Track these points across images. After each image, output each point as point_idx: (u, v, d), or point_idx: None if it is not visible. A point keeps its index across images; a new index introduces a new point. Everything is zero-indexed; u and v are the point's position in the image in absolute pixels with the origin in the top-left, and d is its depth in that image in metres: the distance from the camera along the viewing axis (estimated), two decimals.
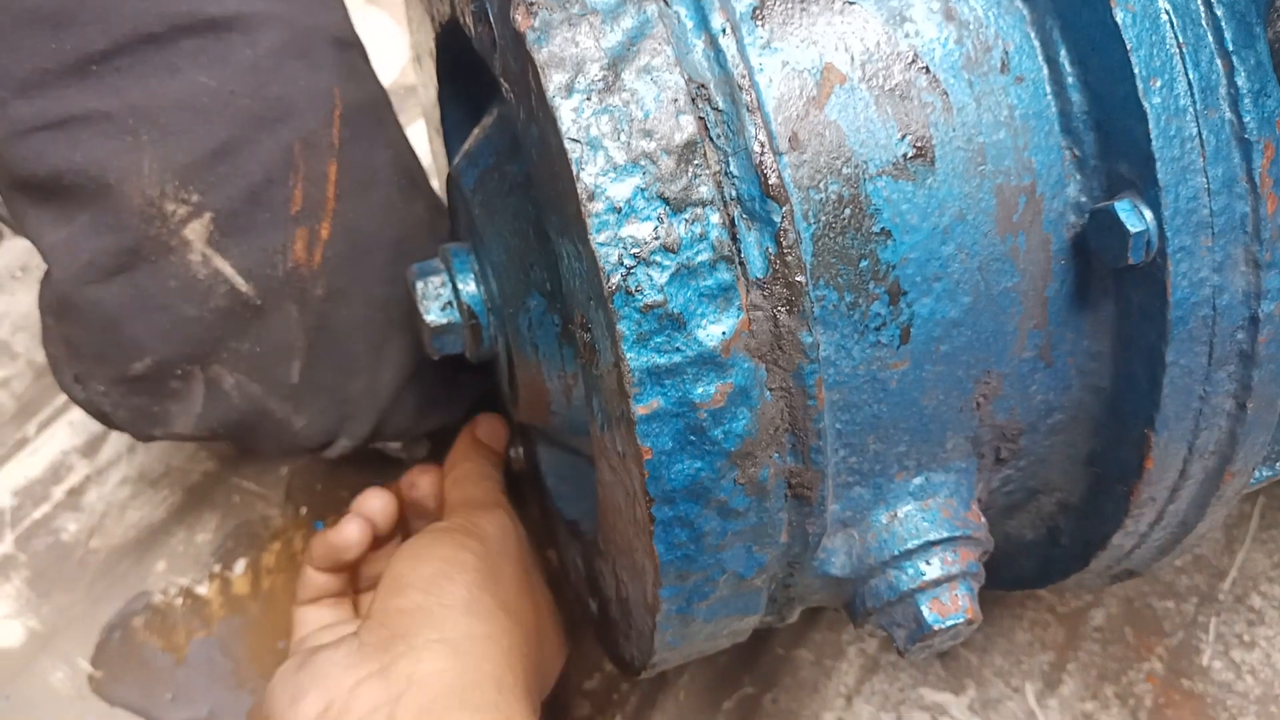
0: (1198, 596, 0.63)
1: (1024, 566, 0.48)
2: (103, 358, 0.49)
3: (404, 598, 0.46)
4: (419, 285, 0.47)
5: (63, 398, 0.66)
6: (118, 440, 0.65)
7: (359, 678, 0.44)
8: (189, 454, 0.65)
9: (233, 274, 0.48)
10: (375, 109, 0.52)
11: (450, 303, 0.47)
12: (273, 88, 0.47)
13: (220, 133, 0.47)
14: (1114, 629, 0.62)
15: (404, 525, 0.58)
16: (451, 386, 0.58)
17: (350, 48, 0.50)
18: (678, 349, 0.34)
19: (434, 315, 0.47)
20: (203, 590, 0.61)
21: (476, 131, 0.48)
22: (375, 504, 0.54)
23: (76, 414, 0.66)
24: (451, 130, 0.57)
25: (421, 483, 0.58)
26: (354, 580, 0.56)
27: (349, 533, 0.53)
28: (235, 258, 0.48)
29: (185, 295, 0.47)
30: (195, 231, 0.47)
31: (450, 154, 0.57)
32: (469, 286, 0.47)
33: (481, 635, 0.45)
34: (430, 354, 0.48)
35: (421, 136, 0.66)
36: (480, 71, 0.50)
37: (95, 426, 0.65)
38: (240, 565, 0.62)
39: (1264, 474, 0.45)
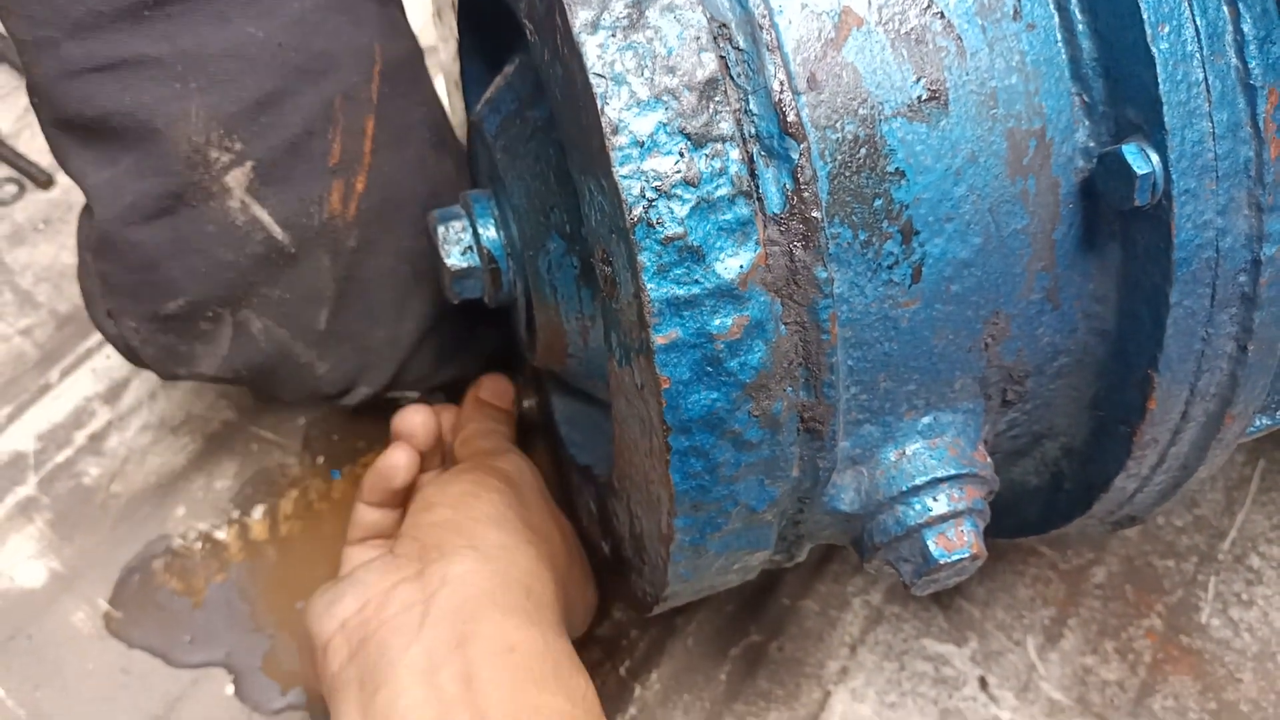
0: (1197, 556, 0.64)
1: (1028, 513, 0.49)
2: (137, 296, 0.50)
3: (433, 514, 0.48)
4: (440, 230, 0.48)
5: (85, 346, 0.67)
6: (139, 387, 0.66)
7: (395, 580, 0.45)
8: (209, 402, 0.66)
9: (270, 222, 0.49)
10: (412, 66, 0.53)
11: (470, 247, 0.48)
12: (317, 41, 0.49)
13: (265, 83, 0.48)
14: (1115, 586, 0.63)
15: (444, 456, 0.59)
16: (468, 340, 0.59)
17: (391, 3, 0.52)
18: (696, 281, 0.35)
19: (454, 259, 0.48)
20: (221, 535, 0.62)
21: (498, 80, 0.49)
22: (416, 419, 0.55)
23: (99, 362, 0.67)
24: (471, 83, 0.58)
25: (445, 419, 0.59)
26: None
27: (395, 457, 0.53)
28: (273, 206, 0.49)
29: (222, 240, 0.49)
30: (236, 179, 0.48)
31: (469, 107, 0.58)
32: (489, 231, 0.48)
33: (510, 545, 0.47)
34: (450, 298, 0.49)
35: (443, 94, 0.67)
36: (500, 23, 0.51)
37: (118, 374, 0.66)
38: (259, 511, 0.63)
39: (1264, 422, 0.46)
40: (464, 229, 0.48)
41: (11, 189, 0.75)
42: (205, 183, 0.48)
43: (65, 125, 0.48)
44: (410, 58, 0.53)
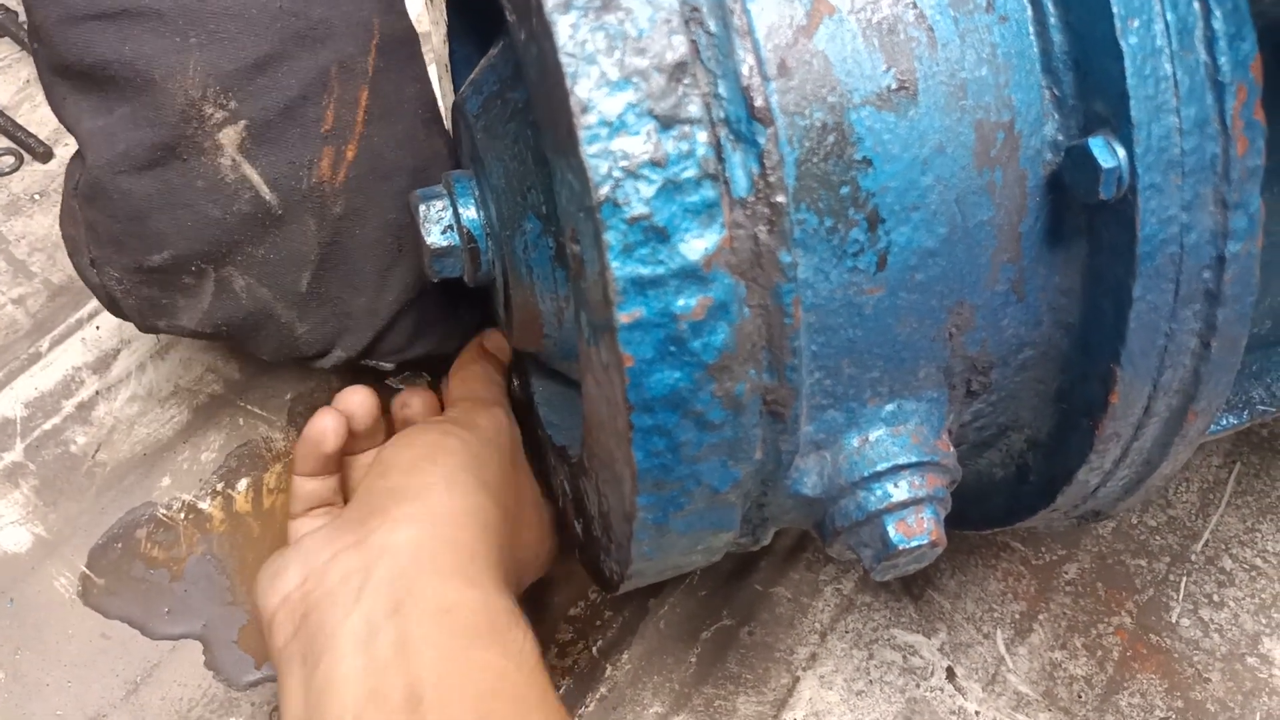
0: (1170, 556, 0.64)
1: (994, 505, 0.50)
2: (122, 246, 0.51)
3: (387, 479, 0.48)
4: (421, 208, 0.49)
5: (76, 317, 0.68)
6: (128, 359, 0.67)
7: (336, 550, 0.45)
8: (197, 375, 0.67)
9: (259, 182, 0.50)
10: (409, 44, 0.54)
11: (451, 226, 0.49)
12: (318, 9, 0.50)
13: (264, 45, 0.49)
14: (1086, 583, 0.63)
15: (389, 431, 0.59)
16: (448, 317, 0.60)
17: None
18: (661, 261, 0.35)
19: (434, 238, 0.49)
20: (205, 506, 0.63)
21: (482, 62, 0.50)
22: (354, 399, 0.55)
23: (89, 332, 0.68)
24: (459, 66, 0.58)
25: (414, 402, 0.59)
26: (344, 491, 0.57)
27: (322, 423, 0.53)
28: (263, 167, 0.50)
29: (211, 196, 0.50)
30: (229, 137, 0.49)
31: (457, 89, 0.59)
32: (469, 211, 0.49)
33: (458, 509, 0.47)
34: (429, 276, 0.50)
35: (433, 79, 0.67)
36: (487, 6, 0.51)
37: (107, 345, 0.67)
38: (243, 484, 0.64)
39: (1231, 421, 0.47)
40: (445, 208, 0.49)
41: (10, 160, 0.76)
42: (198, 138, 0.49)
43: (64, 71, 0.49)
44: (407, 36, 0.54)
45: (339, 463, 0.55)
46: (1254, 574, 0.64)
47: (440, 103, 0.62)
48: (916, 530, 0.41)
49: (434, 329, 0.59)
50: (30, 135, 0.77)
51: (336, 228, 0.52)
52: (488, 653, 0.42)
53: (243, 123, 0.49)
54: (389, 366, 0.60)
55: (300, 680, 0.43)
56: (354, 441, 0.56)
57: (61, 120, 0.50)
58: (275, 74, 0.49)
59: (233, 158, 0.49)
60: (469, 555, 0.45)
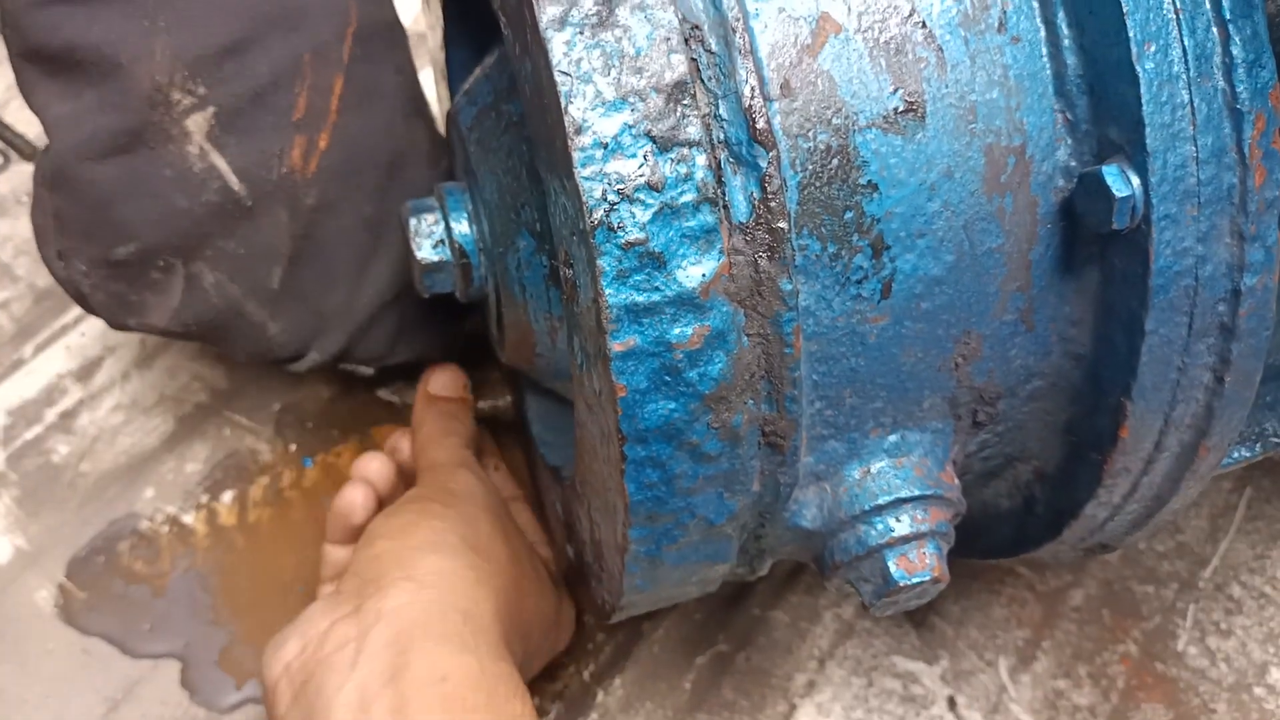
0: (1178, 583, 0.63)
1: (1000, 535, 0.48)
2: (89, 236, 0.50)
3: (374, 547, 0.48)
4: (412, 222, 0.47)
5: (60, 323, 0.67)
6: (112, 366, 0.65)
7: (333, 619, 0.45)
8: (182, 384, 0.65)
9: (227, 171, 0.48)
10: (389, 32, 0.53)
11: (442, 240, 0.47)
12: None
13: (235, 30, 0.48)
14: (1092, 610, 0.62)
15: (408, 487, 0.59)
16: (430, 320, 0.58)
17: None
18: (657, 288, 0.34)
19: (426, 253, 0.47)
20: (189, 520, 0.62)
21: (478, 71, 0.49)
22: (373, 466, 0.56)
23: (73, 339, 0.66)
24: (455, 72, 0.57)
25: (403, 446, 0.59)
26: None
27: (350, 496, 0.54)
28: (232, 155, 0.48)
29: (179, 185, 0.48)
30: (197, 124, 0.48)
31: (453, 95, 0.57)
32: (461, 225, 0.47)
33: (448, 570, 0.46)
34: (420, 292, 0.49)
35: (429, 84, 0.66)
36: (484, 12, 0.50)
37: (91, 352, 0.66)
38: (228, 496, 0.62)
39: (1243, 454, 0.45)
40: (436, 222, 0.47)
41: None
42: (165, 124, 0.47)
43: (32, 56, 0.48)
44: (387, 25, 0.53)
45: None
46: (1263, 602, 0.62)
47: (437, 107, 0.61)
48: (918, 566, 0.40)
49: (418, 333, 0.58)
50: (17, 135, 0.75)
51: (309, 220, 0.51)
52: None
53: (211, 109, 0.48)
54: (369, 371, 0.58)
55: None
56: (381, 506, 0.56)
57: (31, 106, 0.49)
58: (245, 59, 0.48)
59: (201, 145, 0.48)
60: (462, 618, 0.45)
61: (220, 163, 0.48)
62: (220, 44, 0.47)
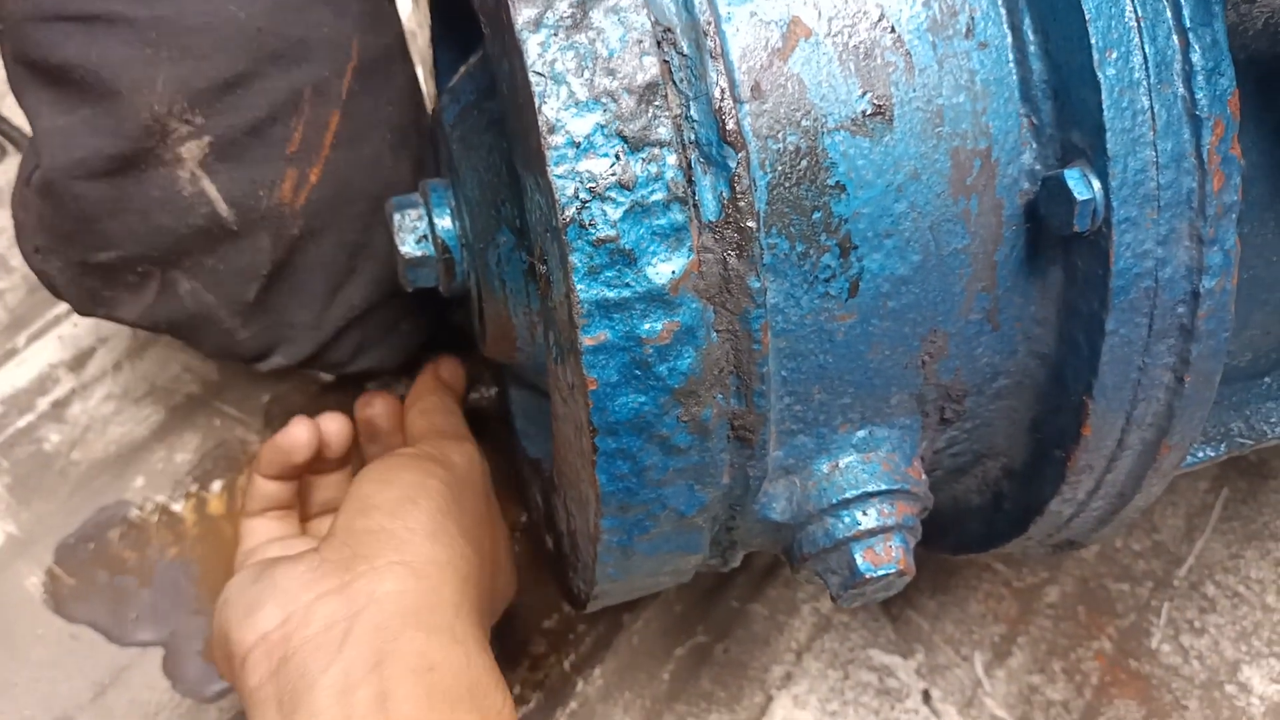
0: (1153, 581, 0.64)
1: (970, 531, 0.49)
2: (71, 241, 0.50)
3: (369, 519, 0.47)
4: (396, 217, 0.48)
5: (54, 313, 0.68)
6: (104, 357, 0.66)
7: (319, 593, 0.44)
8: (173, 375, 0.66)
9: (217, 197, 0.49)
10: (389, 61, 0.53)
11: (425, 236, 0.48)
12: (296, 29, 0.49)
13: (237, 64, 0.48)
14: (1067, 606, 0.63)
15: (357, 454, 0.59)
16: (393, 333, 0.59)
17: None
18: (627, 284, 0.35)
19: (409, 248, 0.48)
20: (178, 508, 0.63)
21: (462, 69, 0.49)
22: (333, 426, 0.55)
23: (66, 329, 0.67)
24: (443, 71, 0.58)
25: (376, 403, 0.59)
26: (303, 503, 0.57)
27: (296, 433, 0.53)
28: (223, 183, 0.49)
29: (166, 206, 0.49)
30: (190, 151, 0.48)
31: (440, 93, 0.58)
32: (444, 221, 0.48)
33: (443, 561, 0.46)
34: (404, 285, 0.49)
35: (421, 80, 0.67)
36: (469, 13, 0.51)
37: (84, 342, 0.67)
38: (216, 486, 0.63)
39: (1208, 453, 0.46)
40: (420, 217, 0.48)
41: None
42: (159, 150, 0.48)
43: (28, 65, 0.48)
44: (388, 53, 0.53)
45: (303, 470, 0.55)
46: (1236, 601, 0.63)
47: (428, 105, 0.62)
48: (884, 559, 0.40)
49: (378, 346, 0.59)
50: (14, 127, 0.76)
51: (292, 247, 0.52)
52: (467, 716, 0.41)
53: (207, 138, 0.48)
54: (328, 378, 0.59)
55: None
56: (320, 462, 0.56)
57: (20, 106, 0.49)
58: (245, 93, 0.48)
59: (193, 171, 0.48)
60: (453, 609, 0.45)
61: (210, 189, 0.49)
62: (222, 77, 0.48)
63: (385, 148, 0.53)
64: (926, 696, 0.59)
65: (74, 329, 0.67)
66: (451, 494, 0.50)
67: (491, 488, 0.54)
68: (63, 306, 0.68)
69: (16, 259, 0.70)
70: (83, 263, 0.51)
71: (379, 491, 0.49)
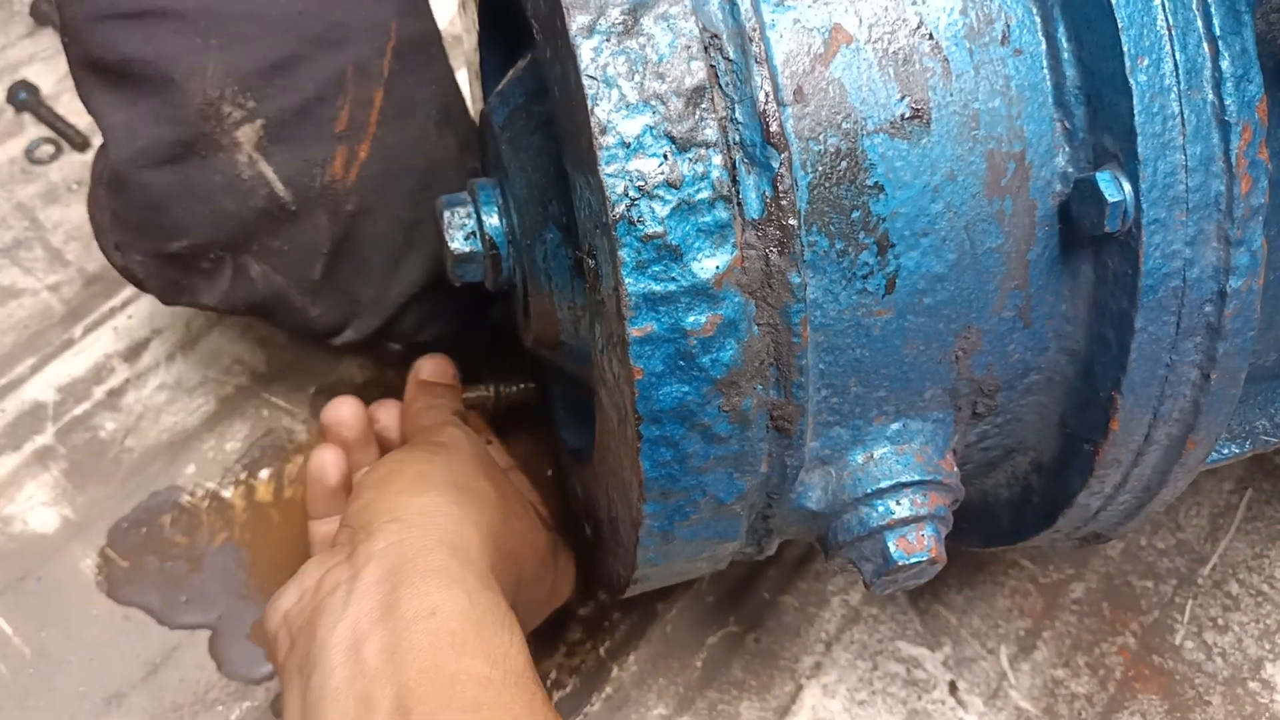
0: (1177, 579, 0.65)
1: (999, 524, 0.50)
2: (144, 232, 0.53)
3: (360, 498, 0.49)
4: (446, 215, 0.50)
5: (109, 305, 0.70)
6: (158, 348, 0.69)
7: (328, 567, 0.47)
8: (224, 366, 0.68)
9: (274, 179, 0.52)
10: (427, 45, 0.56)
11: (474, 233, 0.50)
12: (336, 13, 0.52)
13: (283, 48, 0.51)
14: (1092, 602, 0.64)
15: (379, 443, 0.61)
16: (456, 304, 0.61)
17: None
18: (673, 278, 0.36)
19: (458, 244, 0.50)
20: (228, 495, 0.65)
21: (510, 73, 0.51)
22: (343, 411, 0.58)
23: (121, 321, 0.69)
24: (489, 74, 0.60)
25: (381, 415, 0.61)
26: None
27: (322, 457, 0.56)
28: (279, 164, 0.52)
29: (228, 191, 0.52)
30: (246, 135, 0.51)
31: (486, 97, 0.60)
32: (492, 219, 0.50)
33: (431, 508, 0.47)
34: (452, 280, 0.51)
35: (463, 82, 0.69)
36: (517, 18, 0.53)
37: (138, 334, 0.69)
38: (265, 474, 0.65)
39: (1233, 450, 0.47)
40: (469, 215, 0.50)
41: (49, 149, 0.78)
42: (216, 135, 0.51)
43: (91, 66, 0.51)
44: (426, 38, 0.56)
45: (347, 483, 0.57)
46: (1260, 599, 0.64)
47: (471, 108, 0.64)
48: (917, 547, 0.42)
49: (442, 316, 0.61)
50: (69, 125, 0.79)
51: (349, 223, 0.54)
52: (474, 660, 0.42)
53: (260, 121, 0.51)
54: (397, 348, 0.61)
55: (298, 690, 0.43)
56: (353, 458, 0.58)
57: (88, 110, 0.53)
58: (293, 75, 0.51)
59: (250, 154, 0.51)
60: (449, 549, 0.45)
61: (268, 170, 0.52)
62: (269, 61, 0.51)
63: (430, 124, 0.55)
64: (953, 688, 0.60)
65: (129, 321, 0.69)
66: (439, 458, 0.51)
67: (486, 451, 0.55)
68: (118, 299, 0.70)
69: (72, 253, 0.73)
70: (160, 254, 0.53)
71: (368, 476, 0.51)
